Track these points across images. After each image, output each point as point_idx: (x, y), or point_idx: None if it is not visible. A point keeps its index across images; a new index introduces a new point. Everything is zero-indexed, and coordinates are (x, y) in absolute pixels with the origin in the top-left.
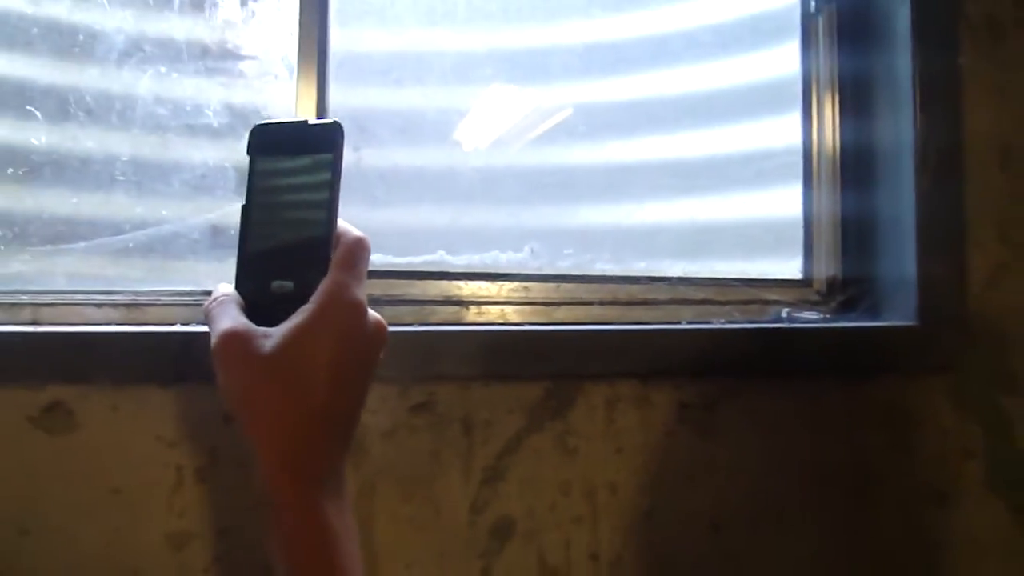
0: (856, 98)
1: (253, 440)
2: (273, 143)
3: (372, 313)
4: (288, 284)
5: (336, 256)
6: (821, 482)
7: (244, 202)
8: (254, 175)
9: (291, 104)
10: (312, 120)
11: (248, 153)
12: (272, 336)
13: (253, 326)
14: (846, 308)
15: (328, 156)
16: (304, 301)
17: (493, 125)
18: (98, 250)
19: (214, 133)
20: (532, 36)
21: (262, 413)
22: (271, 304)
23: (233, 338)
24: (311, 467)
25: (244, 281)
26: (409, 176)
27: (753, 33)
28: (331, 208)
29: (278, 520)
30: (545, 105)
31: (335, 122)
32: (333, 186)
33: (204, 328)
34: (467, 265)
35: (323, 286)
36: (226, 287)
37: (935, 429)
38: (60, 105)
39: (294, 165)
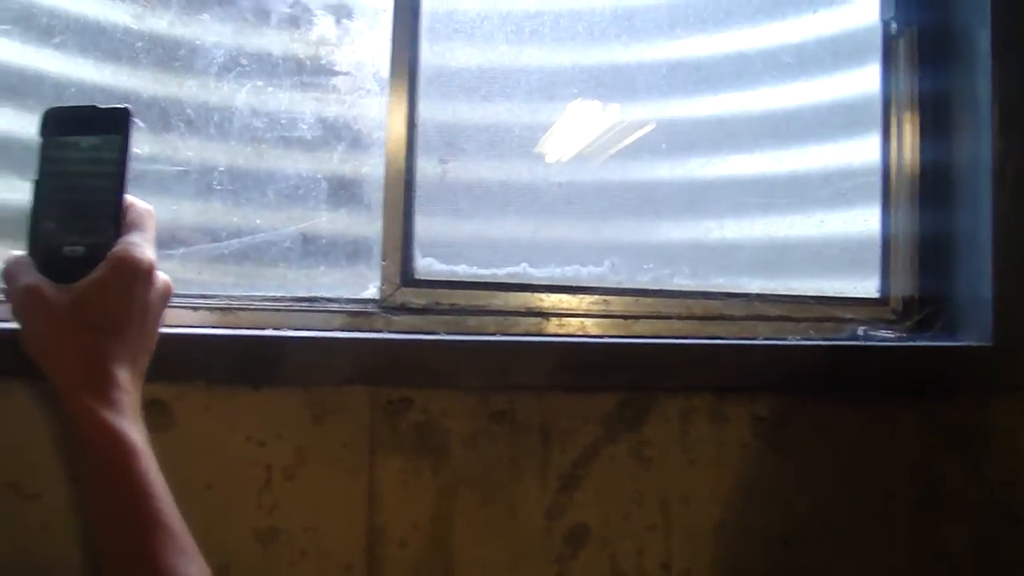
0: (936, 118)
1: (55, 378)
2: (65, 124)
3: (160, 274)
4: (79, 249)
5: (128, 221)
6: (892, 500)
7: (36, 177)
8: (46, 153)
9: (382, 117)
10: (102, 104)
11: (40, 133)
12: (68, 291)
13: (50, 282)
14: (922, 327)
15: (116, 137)
16: (94, 263)
17: (576, 139)
18: (196, 256)
19: (307, 145)
20: (616, 54)
21: (60, 354)
22: (63, 267)
23: (34, 292)
24: (106, 394)
25: (37, 248)
26: (494, 190)
27: (834, 54)
28: (119, 182)
29: (83, 440)
30: (628, 120)
31: (124, 107)
32: (122, 163)
33: (293, 333)
34: (549, 278)
35: (117, 246)
36: (18, 253)
37: (1010, 451)
38: (162, 116)
39: (84, 144)
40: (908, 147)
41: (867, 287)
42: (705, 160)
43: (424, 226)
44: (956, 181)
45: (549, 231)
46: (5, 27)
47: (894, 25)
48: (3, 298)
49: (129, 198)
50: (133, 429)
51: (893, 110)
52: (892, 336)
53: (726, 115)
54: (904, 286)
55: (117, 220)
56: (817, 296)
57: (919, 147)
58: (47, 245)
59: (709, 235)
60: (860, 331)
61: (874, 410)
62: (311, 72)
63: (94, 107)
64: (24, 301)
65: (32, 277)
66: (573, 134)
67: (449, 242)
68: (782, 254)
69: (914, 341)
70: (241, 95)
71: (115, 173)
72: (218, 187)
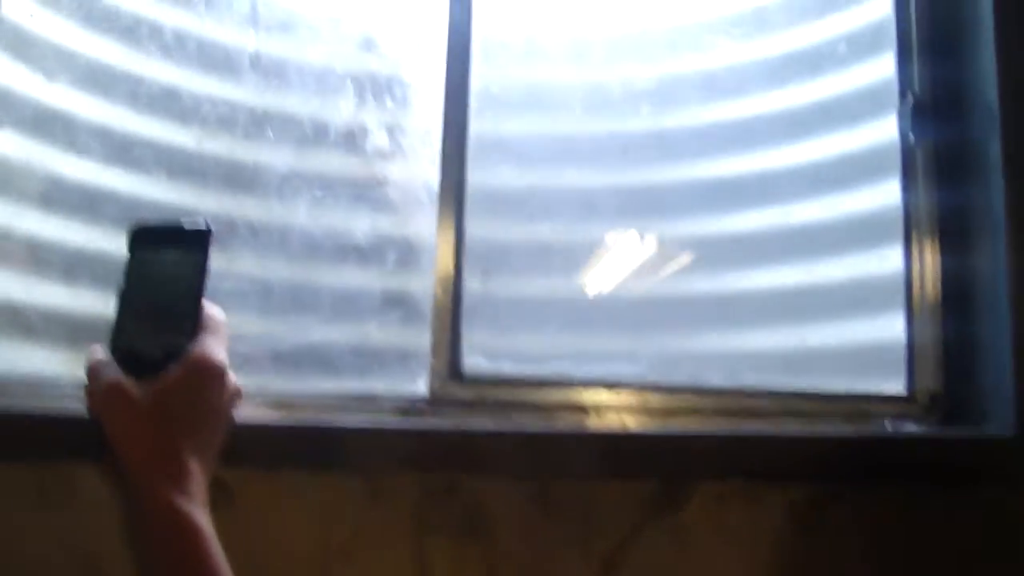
0: (955, 229)
1: (132, 469)
2: (151, 238)
3: (231, 375)
4: (157, 351)
5: (204, 326)
6: None
7: (121, 283)
8: (132, 262)
9: (432, 229)
10: (186, 223)
11: (128, 245)
12: (146, 387)
13: (130, 379)
14: (948, 421)
15: (198, 251)
16: (170, 363)
17: (615, 269)
18: (257, 360)
19: (362, 254)
20: (651, 174)
21: (138, 445)
22: (142, 366)
23: (116, 387)
24: (178, 482)
25: (118, 347)
26: (535, 303)
27: (857, 169)
28: (198, 291)
29: (154, 523)
30: (664, 247)
31: (206, 225)
32: (201, 275)
33: (345, 424)
34: (589, 375)
35: (195, 348)
36: (100, 350)
37: None
38: (225, 232)
39: (168, 256)
40: (929, 256)
41: (894, 386)
42: (737, 274)
43: (469, 335)
44: (976, 287)
45: (589, 341)
46: (83, 141)
47: (912, 137)
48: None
49: (205, 305)
50: (202, 514)
51: (913, 221)
52: (919, 429)
53: (756, 230)
54: (929, 383)
55: (194, 325)
56: (847, 393)
57: (939, 256)
58: (128, 346)
59: (743, 345)
60: (888, 424)
61: (904, 498)
62: (366, 187)
63: (179, 225)
64: (107, 395)
65: (114, 374)
66: (612, 264)
67: (494, 346)
68: (812, 359)
69: (940, 432)
70: (300, 209)
71: (194, 283)
72: (278, 298)
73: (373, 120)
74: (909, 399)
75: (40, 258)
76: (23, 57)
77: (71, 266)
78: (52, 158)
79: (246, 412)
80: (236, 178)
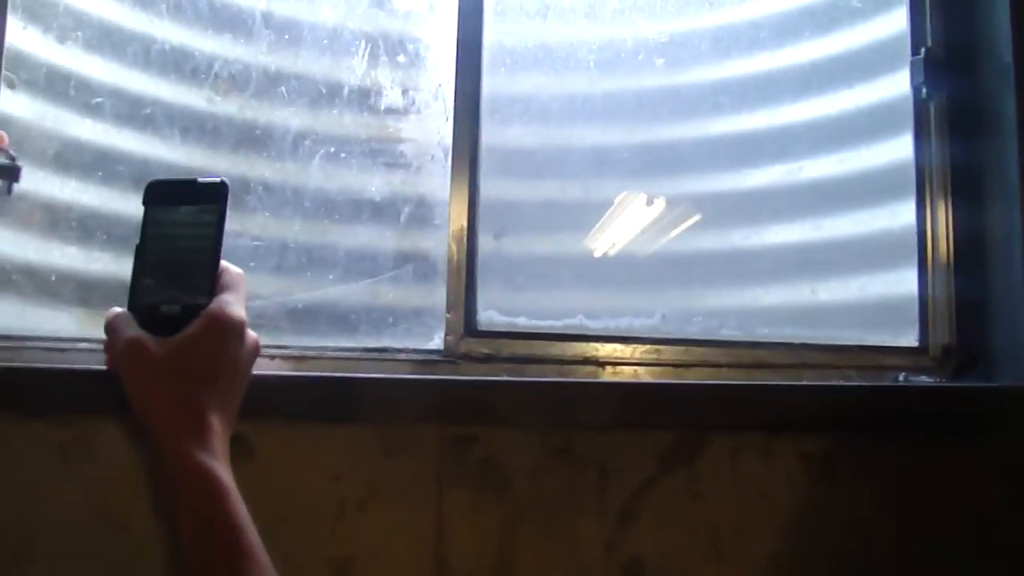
0: (967, 183)
1: (152, 425)
2: (167, 195)
3: (250, 331)
4: (176, 307)
5: (221, 283)
6: (938, 534)
7: (138, 242)
8: (148, 220)
9: (447, 187)
10: (201, 178)
11: (144, 203)
12: (166, 343)
13: (150, 336)
14: (960, 372)
15: (213, 207)
16: (189, 320)
17: (627, 229)
18: (273, 313)
19: (376, 208)
20: (663, 132)
21: (159, 401)
22: (161, 323)
23: (136, 344)
24: (200, 438)
25: (137, 305)
26: (547, 262)
27: (870, 124)
28: (215, 247)
29: (179, 481)
30: (678, 204)
31: (221, 180)
32: (218, 230)
33: (362, 377)
34: (603, 329)
35: (212, 305)
36: (119, 309)
37: None
38: (239, 191)
39: (183, 213)
40: (941, 211)
41: (907, 340)
42: (749, 230)
43: (484, 291)
44: (988, 241)
45: (603, 297)
46: (96, 103)
47: (924, 91)
48: (101, 347)
49: (222, 262)
50: (224, 470)
51: (926, 176)
52: (932, 380)
53: (769, 186)
54: (942, 336)
55: (212, 281)
56: (859, 345)
57: (952, 210)
58: (147, 303)
59: (756, 300)
60: (901, 376)
61: (917, 448)
62: (379, 144)
63: (194, 180)
64: (127, 352)
65: (134, 330)
66: (625, 220)
67: (503, 310)
68: (825, 313)
69: (953, 383)
70: (314, 168)
71: (211, 239)
72: (293, 256)
73: (386, 78)
74: (922, 351)
75: (56, 219)
76: (36, 19)
77: (86, 227)
78: (66, 120)
79: (264, 367)
80: (250, 137)
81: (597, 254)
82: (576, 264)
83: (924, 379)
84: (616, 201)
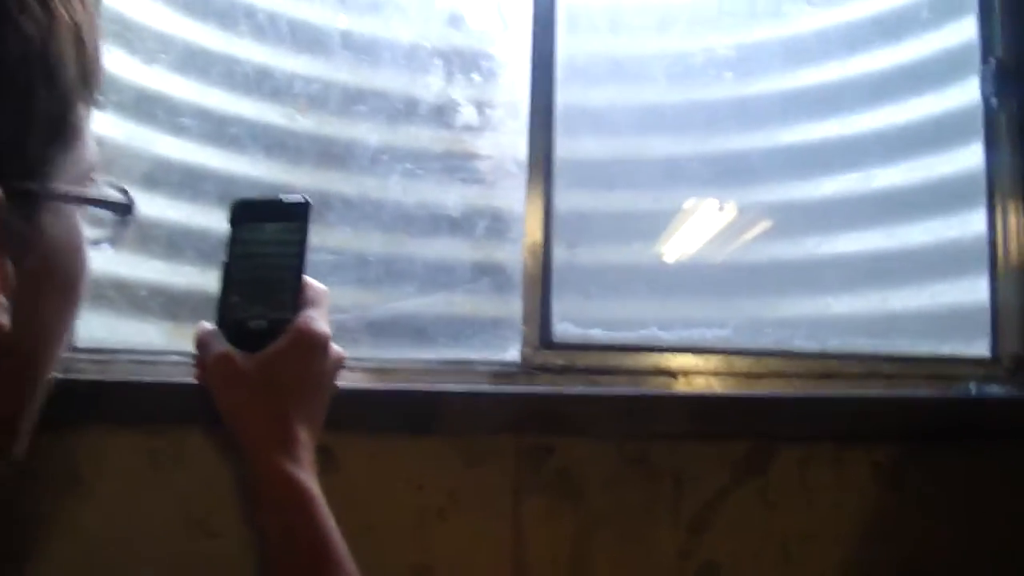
0: None
1: (242, 437)
2: (252, 213)
3: (334, 345)
4: (263, 322)
5: (306, 298)
6: (1007, 545)
7: (225, 259)
8: (235, 238)
9: (522, 198)
10: (284, 197)
11: (230, 221)
12: (254, 358)
13: (238, 351)
14: None
15: (297, 224)
16: (276, 335)
17: (697, 235)
18: (355, 324)
19: (453, 224)
20: (734, 142)
21: (249, 414)
22: (248, 338)
23: (225, 359)
24: (288, 449)
25: (225, 321)
26: (621, 271)
27: (940, 131)
28: (299, 264)
29: (267, 490)
30: (749, 214)
31: (304, 199)
32: (302, 248)
33: (442, 390)
34: (676, 340)
35: (298, 320)
36: (208, 325)
37: None
38: (320, 206)
39: (269, 230)
40: (1013, 219)
41: (978, 349)
42: (820, 239)
43: (558, 302)
44: None
45: (675, 307)
46: (182, 122)
47: (994, 101)
48: (189, 360)
49: (306, 278)
50: (311, 480)
51: (997, 184)
52: (1004, 391)
53: (839, 195)
54: (1014, 346)
55: (296, 297)
56: (931, 356)
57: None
58: (234, 319)
59: (827, 310)
60: (972, 386)
61: (988, 459)
62: (456, 160)
63: (278, 199)
64: (217, 367)
65: (223, 346)
66: (697, 230)
67: (583, 313)
68: (896, 322)
69: None
70: (392, 183)
71: (296, 256)
72: (373, 270)
73: (461, 94)
74: (993, 361)
75: (145, 235)
76: (125, 43)
77: (174, 242)
78: (153, 139)
79: (347, 379)
80: (330, 154)
81: (669, 263)
82: (648, 273)
83: (995, 389)
84: (686, 209)
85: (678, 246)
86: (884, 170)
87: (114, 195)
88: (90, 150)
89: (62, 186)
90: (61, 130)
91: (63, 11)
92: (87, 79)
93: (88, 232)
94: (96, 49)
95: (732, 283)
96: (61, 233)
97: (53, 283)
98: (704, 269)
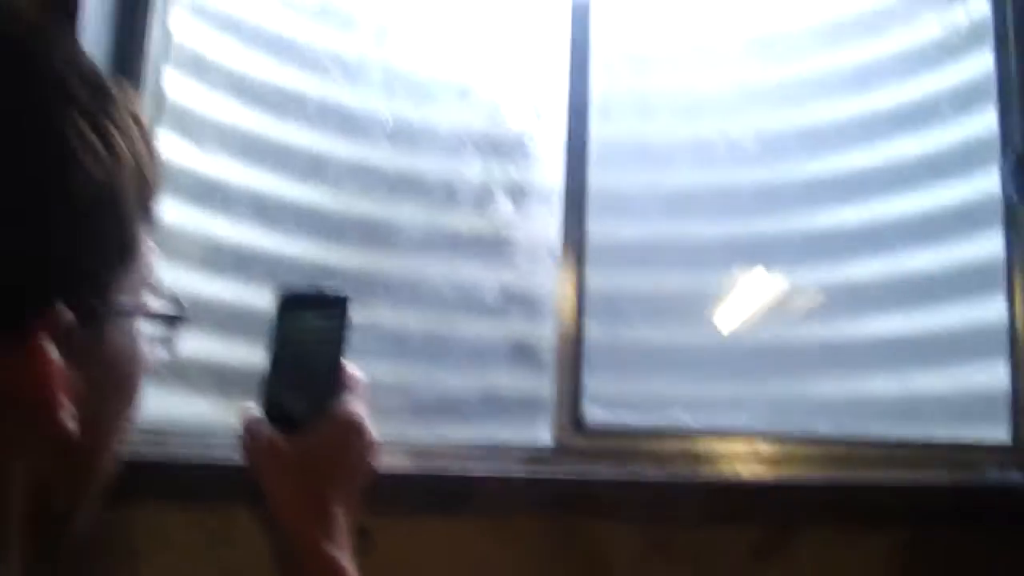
0: None
1: (282, 517)
2: (296, 303)
3: (371, 430)
4: (304, 408)
5: (346, 384)
6: None
7: (270, 345)
8: (279, 325)
9: (554, 285)
10: (327, 290)
11: (275, 309)
12: (295, 442)
13: (280, 436)
14: None
15: (338, 314)
16: (316, 418)
17: (729, 319)
18: (395, 403)
19: (489, 309)
20: (759, 225)
21: (289, 496)
22: (291, 421)
23: (267, 442)
24: (326, 530)
25: (269, 404)
26: (652, 350)
27: (960, 218)
28: (338, 354)
29: (307, 569)
30: (776, 297)
31: (345, 295)
32: (341, 338)
33: (475, 473)
34: (703, 425)
35: (337, 406)
36: (253, 408)
37: None
38: (364, 288)
39: (311, 319)
40: None
41: (999, 433)
42: (845, 322)
43: (590, 383)
44: None
45: (704, 385)
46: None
47: (1015, 196)
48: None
49: (345, 365)
50: (348, 559)
51: (1016, 271)
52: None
53: (861, 279)
54: None
55: (336, 384)
56: (951, 442)
57: None
58: (277, 403)
59: (850, 392)
60: (991, 473)
61: (1005, 544)
62: (492, 244)
63: (320, 291)
64: (260, 451)
65: (266, 429)
66: (724, 313)
67: (614, 394)
68: (917, 405)
69: None
70: (432, 266)
71: (336, 345)
72: (412, 349)
73: (498, 182)
74: (1014, 449)
75: (199, 314)
76: (185, 132)
77: (225, 321)
78: (210, 223)
79: (386, 462)
80: (373, 237)
81: (696, 345)
82: (678, 354)
83: (1015, 476)
84: (714, 292)
85: (709, 328)
86: (906, 256)
87: (168, 307)
88: (148, 266)
89: (123, 301)
90: (123, 253)
91: (126, 152)
92: (146, 207)
93: (145, 338)
94: (155, 180)
95: (758, 365)
96: (122, 343)
97: (114, 388)
98: (732, 351)
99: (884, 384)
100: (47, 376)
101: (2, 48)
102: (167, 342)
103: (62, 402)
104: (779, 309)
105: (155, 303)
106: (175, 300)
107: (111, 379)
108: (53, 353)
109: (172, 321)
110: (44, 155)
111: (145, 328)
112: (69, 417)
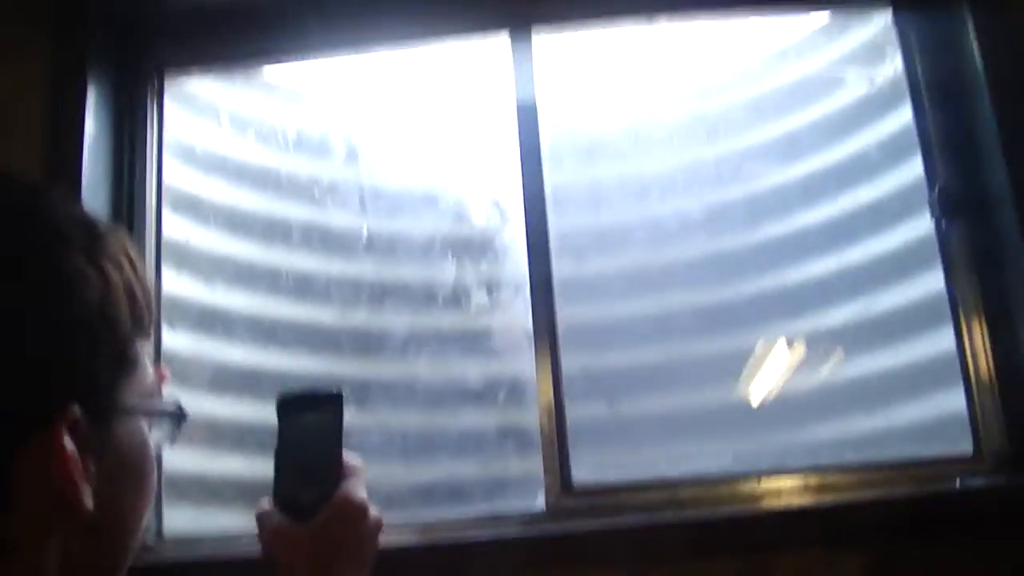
0: (996, 304)
1: None
2: (295, 404)
3: (373, 509)
4: (310, 497)
5: (346, 471)
6: None
7: (276, 445)
8: (282, 426)
9: (532, 367)
10: (321, 389)
11: (277, 412)
12: (304, 529)
13: (291, 522)
14: (1014, 472)
15: (334, 410)
16: (322, 505)
17: (697, 381)
18: (400, 490)
19: (475, 396)
20: (712, 293)
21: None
22: (299, 510)
23: (280, 531)
24: None
25: (279, 497)
26: (627, 419)
27: (902, 260)
28: (338, 444)
29: None
30: (746, 355)
31: (339, 391)
32: (339, 430)
33: (470, 539)
34: (680, 472)
35: (339, 492)
36: (266, 501)
37: None
38: (360, 391)
39: (310, 417)
40: (977, 332)
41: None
42: (814, 369)
43: (576, 452)
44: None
45: (676, 445)
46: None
47: (943, 224)
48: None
49: (346, 453)
50: None
51: (960, 303)
52: (985, 481)
53: (817, 331)
54: (995, 443)
55: (338, 472)
56: (917, 459)
57: (987, 330)
58: (286, 495)
59: (818, 435)
60: (957, 481)
61: (977, 548)
62: (473, 336)
63: (315, 391)
64: (273, 539)
65: (277, 519)
66: (694, 376)
67: (600, 458)
68: (886, 436)
69: (1007, 483)
70: (421, 364)
71: (334, 436)
72: (412, 441)
73: (472, 278)
74: (976, 458)
75: (215, 433)
76: (186, 266)
77: (240, 436)
78: (215, 348)
79: (395, 539)
80: (365, 344)
81: (669, 408)
82: (653, 417)
83: (979, 480)
84: (682, 358)
85: (676, 395)
86: (858, 302)
87: (169, 407)
88: (148, 372)
89: (128, 402)
90: (123, 362)
91: (116, 276)
92: (140, 322)
93: (152, 435)
94: (146, 297)
95: (728, 421)
96: (130, 438)
97: (127, 476)
98: (701, 411)
99: (853, 421)
100: (66, 464)
101: (9, 205)
102: (171, 438)
103: (80, 486)
104: (755, 366)
105: (158, 405)
106: (176, 403)
107: (124, 468)
108: (70, 445)
109: (173, 419)
110: (48, 288)
111: (150, 425)
112: (88, 498)
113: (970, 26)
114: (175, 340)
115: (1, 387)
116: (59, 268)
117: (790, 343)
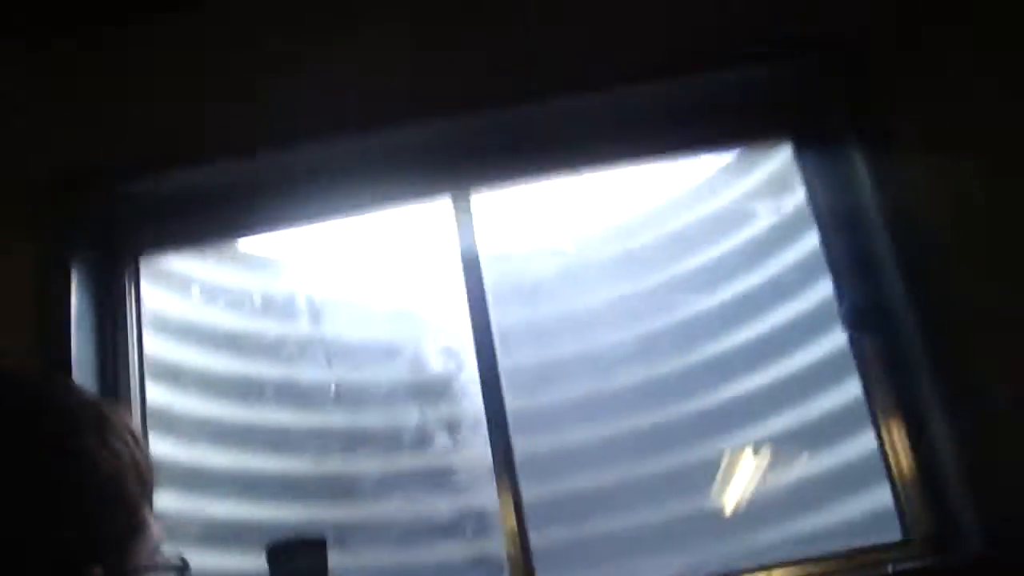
0: (911, 407)
1: None
2: (282, 553)
3: None
4: None
5: None
6: None
7: None
8: (272, 573)
9: (495, 499)
10: (305, 536)
11: (267, 559)
12: None
13: None
14: (941, 553)
15: (318, 555)
16: None
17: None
18: None
19: (447, 531)
20: (646, 418)
21: None
22: None
23: None
24: None
25: None
26: (587, 543)
27: (822, 375)
28: None
29: None
30: (688, 473)
31: (323, 538)
32: (324, 572)
33: None
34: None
35: None
36: None
37: None
38: (337, 535)
39: (297, 562)
40: (895, 432)
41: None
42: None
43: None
44: (940, 449)
45: (635, 560)
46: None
47: (852, 333)
48: None
49: None
50: None
51: (877, 406)
52: (919, 564)
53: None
54: (923, 528)
55: None
56: (852, 548)
57: (906, 432)
58: None
59: (759, 540)
60: (890, 567)
61: None
62: (439, 474)
63: (301, 539)
64: None
65: None
66: (635, 499)
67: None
68: (823, 532)
69: (935, 564)
70: (393, 504)
71: None
72: None
73: (434, 421)
74: (906, 543)
75: None
76: (170, 430)
77: None
78: (201, 505)
79: None
80: (338, 490)
81: (623, 525)
82: (610, 535)
83: (910, 564)
84: (629, 481)
85: (633, 510)
86: (782, 415)
87: (175, 560)
88: (154, 533)
89: (140, 561)
90: (133, 526)
91: (126, 456)
92: (146, 493)
93: None
94: (149, 472)
95: (685, 531)
96: None
97: None
98: (651, 529)
99: (789, 525)
100: None
101: (20, 399)
102: None
103: None
104: (682, 487)
105: (165, 560)
106: (179, 556)
107: None
108: None
109: (178, 572)
110: (63, 468)
111: None
112: None
113: (861, 161)
114: (163, 500)
115: (37, 558)
116: (72, 451)
117: (732, 454)
